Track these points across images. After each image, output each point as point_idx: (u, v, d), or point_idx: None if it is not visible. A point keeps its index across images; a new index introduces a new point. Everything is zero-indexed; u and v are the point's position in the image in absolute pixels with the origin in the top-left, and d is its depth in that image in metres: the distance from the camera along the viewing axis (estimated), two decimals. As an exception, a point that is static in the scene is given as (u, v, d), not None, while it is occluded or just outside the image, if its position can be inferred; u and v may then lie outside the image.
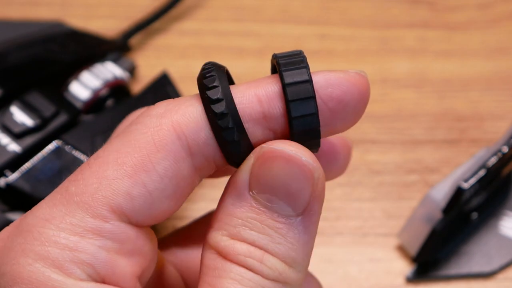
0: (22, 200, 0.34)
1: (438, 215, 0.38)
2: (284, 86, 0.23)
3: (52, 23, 0.44)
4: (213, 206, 0.43)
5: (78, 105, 0.38)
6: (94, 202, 0.22)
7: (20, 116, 0.36)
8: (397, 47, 0.50)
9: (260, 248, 0.22)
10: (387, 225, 0.42)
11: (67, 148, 0.35)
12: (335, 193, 0.43)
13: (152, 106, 0.24)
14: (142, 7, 0.51)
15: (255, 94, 0.23)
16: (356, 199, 0.43)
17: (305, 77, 0.23)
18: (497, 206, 0.42)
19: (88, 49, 0.42)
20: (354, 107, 0.24)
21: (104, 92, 0.39)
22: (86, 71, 0.40)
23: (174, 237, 0.29)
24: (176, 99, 0.24)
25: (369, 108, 0.47)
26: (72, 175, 0.23)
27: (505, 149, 0.38)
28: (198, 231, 0.29)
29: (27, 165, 0.34)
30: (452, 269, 0.40)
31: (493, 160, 0.37)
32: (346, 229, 0.42)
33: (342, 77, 0.24)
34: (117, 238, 0.22)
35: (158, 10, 0.49)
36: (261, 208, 0.23)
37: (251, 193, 0.23)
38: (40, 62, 0.39)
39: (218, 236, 0.23)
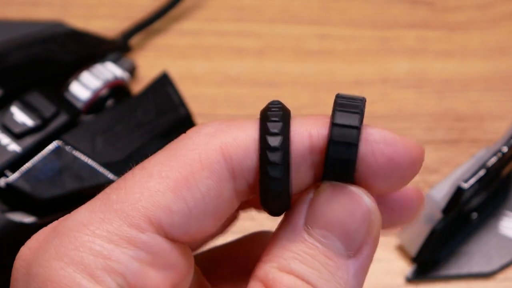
0: (22, 200, 0.34)
1: (438, 215, 0.38)
2: (332, 126, 0.23)
3: (52, 23, 0.44)
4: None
5: (79, 105, 0.38)
6: (133, 211, 0.22)
7: (20, 116, 0.36)
8: (397, 47, 0.50)
9: (307, 282, 0.22)
10: (387, 225, 0.42)
11: (67, 148, 0.35)
12: (335, 193, 0.43)
13: (203, 124, 0.24)
14: (142, 7, 0.51)
15: (309, 132, 0.23)
16: (356, 199, 0.43)
17: (355, 123, 0.23)
18: (497, 206, 0.42)
19: (88, 49, 0.42)
20: (401, 171, 0.24)
21: (104, 92, 0.39)
22: (86, 71, 0.40)
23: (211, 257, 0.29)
24: (229, 120, 0.24)
25: (369, 108, 0.47)
26: (115, 182, 0.23)
27: (505, 149, 0.38)
28: (237, 251, 0.29)
29: (27, 165, 0.34)
30: (452, 269, 0.40)
31: (493, 160, 0.37)
32: (346, 229, 0.42)
33: (398, 139, 0.24)
34: (151, 250, 0.22)
35: (158, 10, 0.49)
36: (314, 243, 0.22)
37: (306, 227, 0.23)
38: (40, 62, 0.39)
39: (267, 268, 0.23)
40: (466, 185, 0.36)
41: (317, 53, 0.49)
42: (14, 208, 0.34)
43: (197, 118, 0.42)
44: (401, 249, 0.41)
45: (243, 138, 0.23)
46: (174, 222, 0.22)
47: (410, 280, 0.40)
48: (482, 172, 0.37)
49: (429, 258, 0.40)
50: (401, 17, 0.51)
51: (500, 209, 0.42)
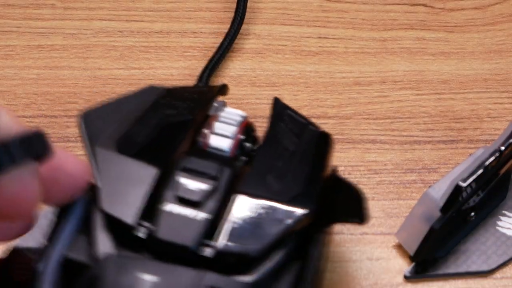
0: (236, 262, 0.31)
1: (436, 214, 0.38)
2: None
3: (143, 90, 0.38)
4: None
5: (225, 155, 0.36)
6: None
7: (191, 184, 0.33)
8: (396, 49, 0.50)
9: None
10: (386, 224, 0.42)
11: (251, 197, 0.33)
12: (334, 192, 0.43)
13: None
14: (143, 9, 0.51)
15: None
16: (355, 199, 0.43)
17: None
18: (495, 205, 0.42)
19: (197, 102, 0.38)
20: None
21: (241, 135, 0.37)
22: (216, 121, 0.37)
23: None
24: None
25: (368, 109, 0.47)
26: None
27: (503, 148, 0.38)
28: None
29: (226, 227, 0.32)
30: (450, 268, 0.40)
31: (490, 160, 0.37)
32: (345, 228, 0.42)
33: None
34: None
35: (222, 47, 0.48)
36: None
37: None
38: (166, 129, 0.36)
39: None
40: (464, 184, 0.36)
41: (317, 54, 0.50)
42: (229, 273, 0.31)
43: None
44: (400, 248, 0.41)
45: None
46: None
47: (408, 278, 0.40)
48: (480, 171, 0.37)
49: (427, 257, 0.40)
50: (400, 19, 0.52)
51: (498, 208, 0.42)
